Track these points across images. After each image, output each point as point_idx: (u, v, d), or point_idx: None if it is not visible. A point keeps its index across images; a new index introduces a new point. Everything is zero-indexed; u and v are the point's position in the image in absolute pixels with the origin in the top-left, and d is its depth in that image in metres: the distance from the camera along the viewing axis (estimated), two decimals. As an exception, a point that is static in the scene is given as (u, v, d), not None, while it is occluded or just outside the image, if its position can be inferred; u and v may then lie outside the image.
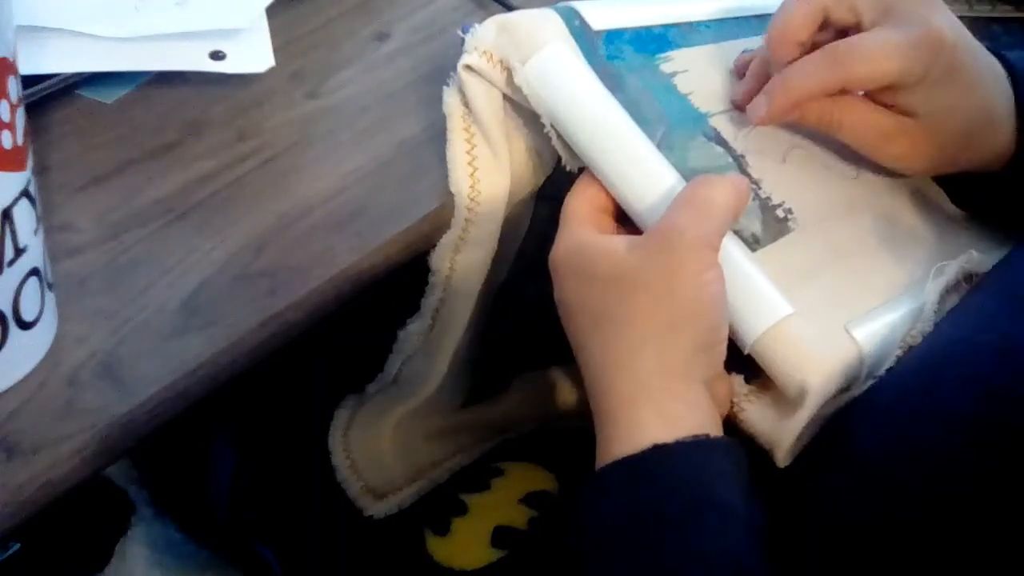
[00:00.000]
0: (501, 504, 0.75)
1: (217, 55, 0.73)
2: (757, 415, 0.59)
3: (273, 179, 0.69)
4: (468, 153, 0.67)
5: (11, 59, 0.52)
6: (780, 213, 0.63)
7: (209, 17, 0.74)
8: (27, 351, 0.57)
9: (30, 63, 0.68)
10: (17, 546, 0.92)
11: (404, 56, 0.78)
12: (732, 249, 0.59)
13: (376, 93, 0.75)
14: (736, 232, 0.60)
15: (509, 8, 0.80)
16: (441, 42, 0.79)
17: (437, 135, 0.70)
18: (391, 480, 0.75)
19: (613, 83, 0.64)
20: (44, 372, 0.57)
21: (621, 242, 0.59)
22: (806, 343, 0.58)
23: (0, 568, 0.91)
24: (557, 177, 0.70)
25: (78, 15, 0.72)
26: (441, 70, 0.76)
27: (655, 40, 0.68)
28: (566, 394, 0.79)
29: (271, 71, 0.74)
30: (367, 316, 0.71)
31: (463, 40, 0.73)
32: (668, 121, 0.64)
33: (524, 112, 0.67)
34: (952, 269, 0.60)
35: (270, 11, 0.76)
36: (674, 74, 0.67)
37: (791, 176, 0.65)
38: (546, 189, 0.71)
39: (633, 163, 0.61)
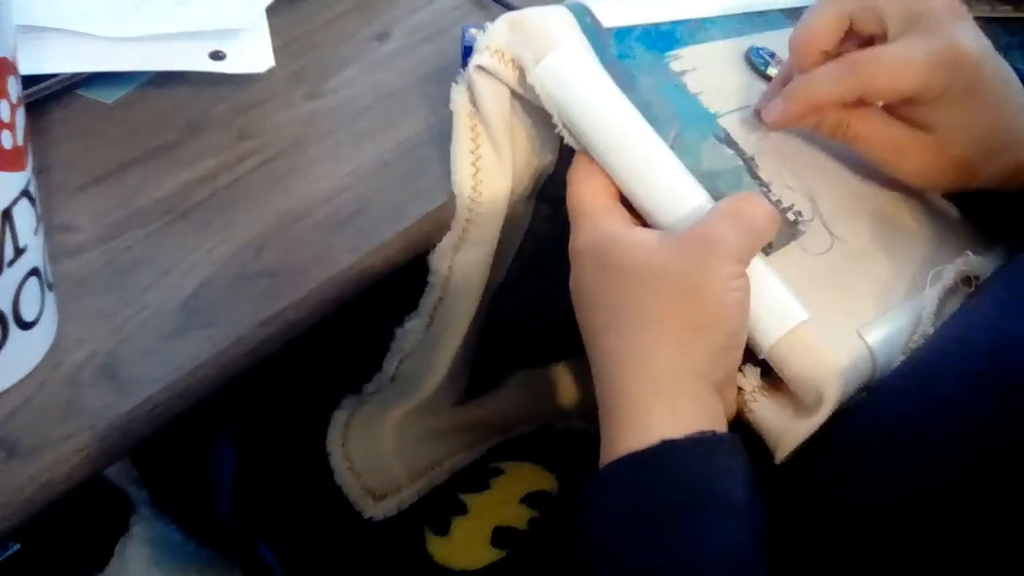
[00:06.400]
0: (501, 504, 0.75)
1: (217, 55, 0.73)
2: (768, 412, 0.59)
3: (273, 179, 0.69)
4: (472, 153, 0.67)
5: (11, 59, 0.52)
6: (791, 216, 0.63)
7: (209, 17, 0.74)
8: (27, 351, 0.57)
9: (30, 63, 0.68)
10: (17, 546, 0.92)
11: (404, 56, 0.78)
12: None
13: (376, 93, 0.75)
14: None
15: (509, 8, 0.80)
16: (441, 42, 0.79)
17: (437, 135, 0.70)
18: (390, 481, 0.75)
19: (625, 82, 0.63)
20: (44, 372, 0.57)
21: (652, 236, 0.59)
22: (822, 349, 0.58)
23: (0, 568, 0.91)
24: (557, 177, 0.70)
25: (78, 15, 0.72)
26: (441, 70, 0.76)
27: (663, 37, 0.68)
28: (561, 393, 0.79)
29: (271, 71, 0.74)
30: (368, 315, 0.71)
31: (463, 37, 0.73)
32: (680, 122, 0.64)
33: (529, 111, 0.67)
34: (950, 273, 0.60)
35: (270, 11, 0.77)
36: (683, 73, 0.67)
37: (799, 178, 0.65)
38: (546, 189, 0.71)
39: (649, 166, 0.61)
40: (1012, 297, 0.56)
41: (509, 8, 0.80)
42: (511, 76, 0.64)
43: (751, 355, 0.59)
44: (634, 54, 0.66)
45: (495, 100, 0.65)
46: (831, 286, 0.61)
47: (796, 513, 0.55)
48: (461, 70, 0.66)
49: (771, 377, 0.60)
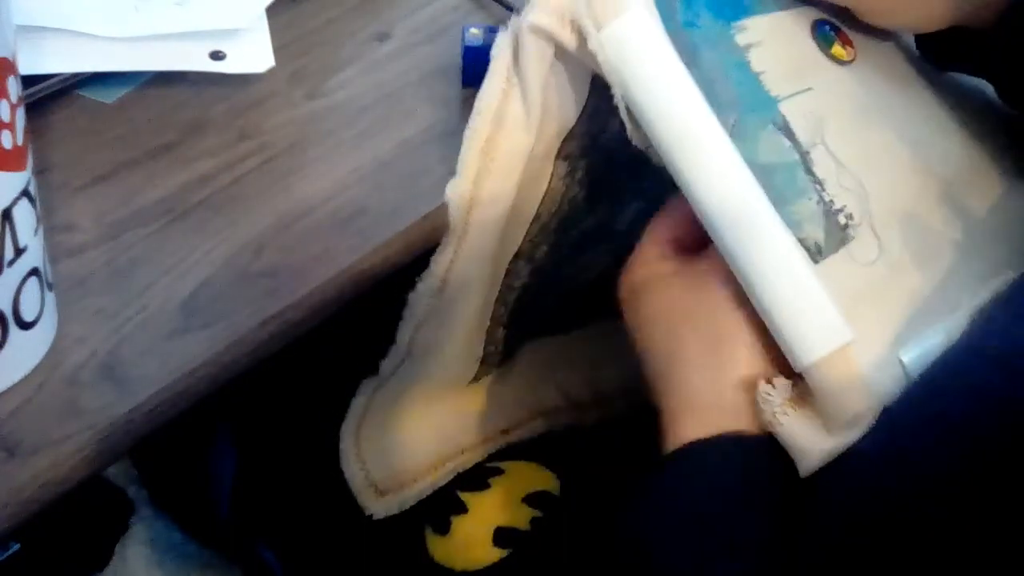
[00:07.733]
0: (502, 504, 0.75)
1: (217, 55, 0.73)
2: (797, 427, 0.57)
3: (273, 179, 0.69)
4: (500, 106, 0.63)
5: (11, 59, 0.52)
6: (842, 219, 0.60)
7: (209, 17, 0.74)
8: (27, 351, 0.57)
9: (30, 63, 0.68)
10: (17, 546, 0.92)
11: (404, 56, 0.78)
12: (796, 261, 0.57)
13: (376, 93, 0.75)
14: (800, 240, 0.58)
15: (509, 8, 0.80)
16: (441, 42, 0.79)
17: (437, 135, 0.71)
18: (395, 476, 0.75)
19: (689, 57, 0.60)
20: (44, 372, 0.57)
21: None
22: (863, 373, 0.56)
23: (0, 568, 0.91)
24: (575, 133, 0.68)
25: (78, 15, 0.72)
26: (441, 70, 0.76)
27: (730, 4, 0.64)
28: (574, 362, 0.78)
29: (271, 71, 0.74)
30: (369, 315, 0.71)
31: (463, 37, 0.72)
32: (741, 106, 0.61)
33: (558, 71, 0.63)
34: (986, 292, 0.59)
35: (270, 11, 0.77)
36: (748, 47, 0.63)
37: (853, 175, 0.62)
38: (564, 148, 0.69)
39: (705, 158, 0.59)
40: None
41: (509, 8, 0.80)
42: (570, 39, 0.60)
43: (785, 366, 0.58)
44: (700, 23, 0.62)
45: (538, 60, 0.62)
46: (877, 303, 0.59)
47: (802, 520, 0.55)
48: (514, 17, 0.62)
49: (800, 389, 0.58)
